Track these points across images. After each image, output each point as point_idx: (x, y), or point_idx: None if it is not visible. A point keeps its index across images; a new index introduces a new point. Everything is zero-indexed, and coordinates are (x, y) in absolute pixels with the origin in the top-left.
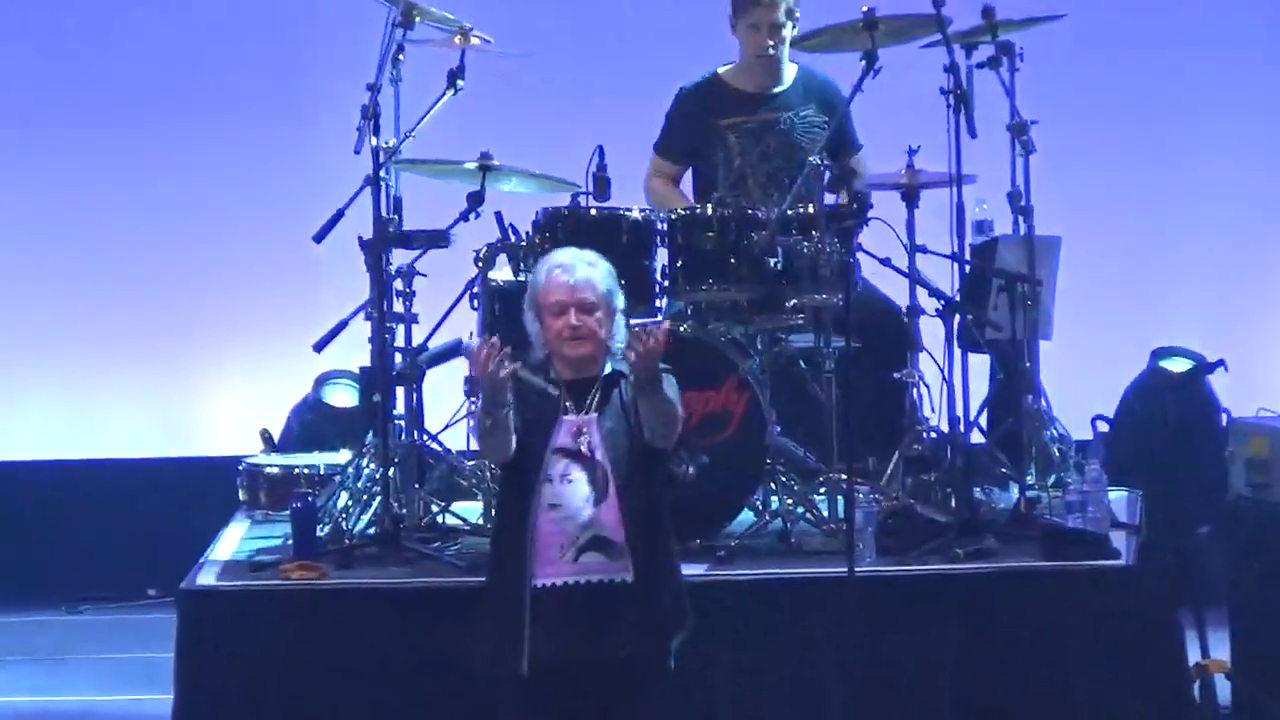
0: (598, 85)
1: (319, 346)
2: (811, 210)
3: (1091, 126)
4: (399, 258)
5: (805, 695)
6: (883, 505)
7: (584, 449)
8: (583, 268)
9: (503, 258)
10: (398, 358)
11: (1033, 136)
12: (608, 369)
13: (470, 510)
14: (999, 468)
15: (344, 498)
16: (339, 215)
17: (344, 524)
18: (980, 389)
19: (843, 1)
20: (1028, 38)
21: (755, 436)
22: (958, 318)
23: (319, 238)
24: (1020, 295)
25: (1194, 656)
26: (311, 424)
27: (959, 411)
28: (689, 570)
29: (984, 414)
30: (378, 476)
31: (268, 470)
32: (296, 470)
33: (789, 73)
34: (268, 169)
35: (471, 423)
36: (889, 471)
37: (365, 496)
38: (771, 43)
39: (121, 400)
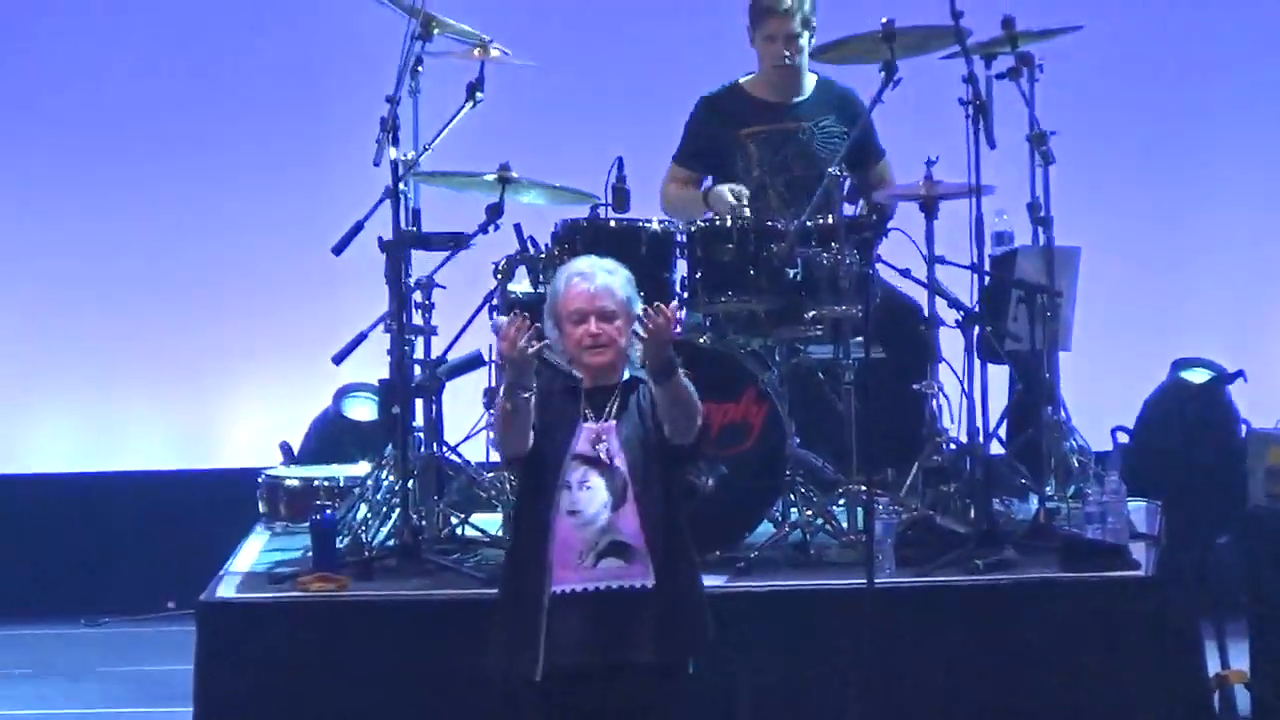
0: (617, 97)
1: (338, 359)
2: (831, 221)
3: (1111, 137)
4: (418, 269)
5: (824, 706)
6: (902, 516)
7: (602, 455)
8: (602, 275)
9: (521, 270)
10: (417, 370)
11: (1052, 147)
12: (626, 376)
13: (489, 522)
14: (1018, 479)
15: (363, 510)
16: (358, 227)
17: (363, 536)
18: (1000, 400)
19: (862, 13)
20: (1047, 49)
21: (774, 448)
22: (977, 329)
23: (338, 250)
24: (1040, 306)
25: (1214, 667)
26: (331, 437)
27: (978, 423)
28: (708, 581)
29: (1003, 425)
30: (397, 488)
31: (287, 482)
32: (316, 482)
33: (808, 83)
34: (287, 181)
35: (491, 434)
36: (908, 482)
37: (384, 508)
38: (788, 53)
39: (141, 413)
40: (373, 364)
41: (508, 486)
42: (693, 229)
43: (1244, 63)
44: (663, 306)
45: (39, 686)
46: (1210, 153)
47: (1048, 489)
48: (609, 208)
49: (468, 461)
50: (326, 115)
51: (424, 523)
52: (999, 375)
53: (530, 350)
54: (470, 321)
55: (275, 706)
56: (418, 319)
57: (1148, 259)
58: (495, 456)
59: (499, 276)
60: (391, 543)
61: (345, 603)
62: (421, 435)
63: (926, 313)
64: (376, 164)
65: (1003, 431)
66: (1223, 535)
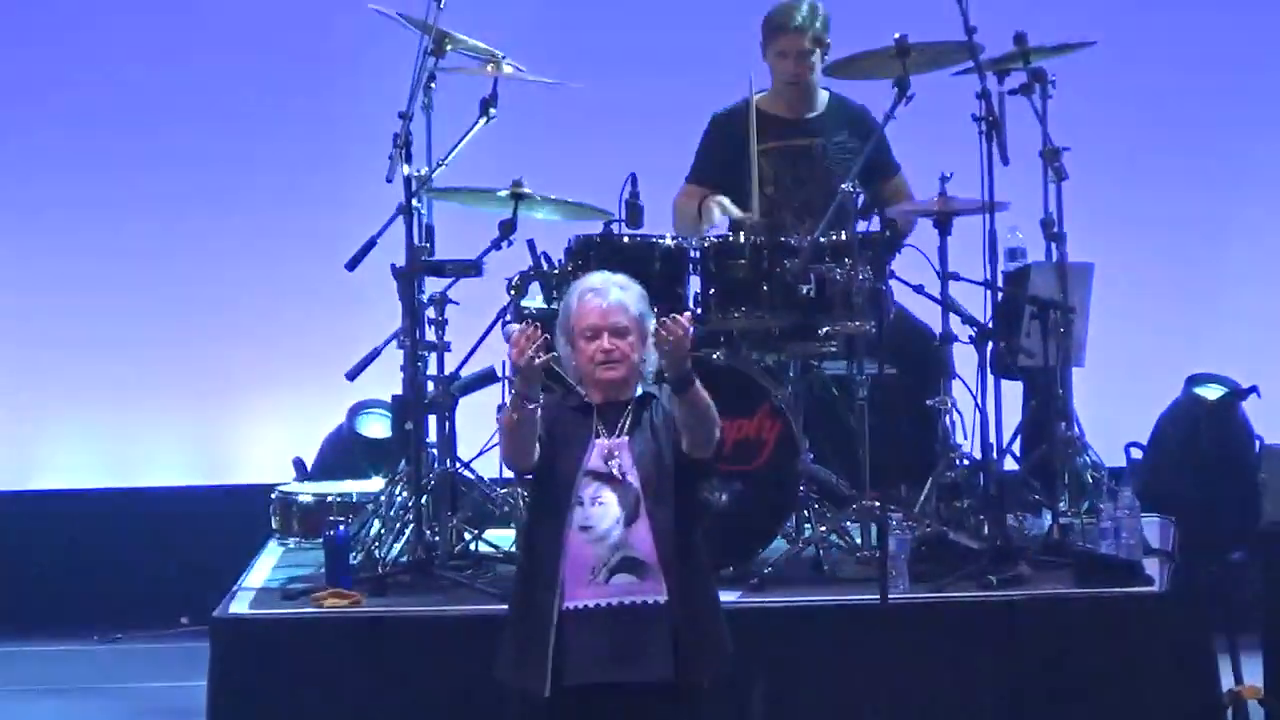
0: (630, 113)
1: (352, 375)
2: (844, 237)
3: (1124, 153)
4: (431, 286)
5: None
6: (916, 532)
7: (615, 471)
8: (615, 291)
9: (535, 285)
10: (430, 386)
11: (1065, 163)
12: (639, 392)
13: (503, 538)
14: (1032, 495)
15: (377, 526)
16: (371, 243)
17: (377, 552)
18: (1013, 416)
19: (875, 29)
20: (1060, 64)
21: (788, 464)
22: (990, 345)
23: (352, 266)
24: (1053, 322)
25: (1227, 683)
26: (345, 454)
27: (992, 438)
28: (722, 598)
29: (1017, 441)
30: (410, 504)
31: (300, 498)
32: (329, 498)
33: (821, 99)
34: (300, 198)
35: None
36: (922, 498)
37: (398, 524)
38: (799, 70)
39: (154, 429)
40: (386, 380)
41: (521, 502)
42: (706, 245)
43: (1258, 77)
44: (678, 316)
45: (53, 703)
46: (1223, 168)
47: (1061, 505)
48: (622, 223)
49: (481, 477)
50: (340, 131)
51: (437, 539)
52: (1012, 391)
53: (538, 361)
54: (484, 338)
55: None
56: (431, 335)
57: (1161, 275)
58: (509, 472)
59: (512, 292)
60: (405, 559)
61: (359, 619)
62: (435, 451)
63: (940, 329)
64: (390, 180)
65: (1016, 447)
66: (1237, 551)
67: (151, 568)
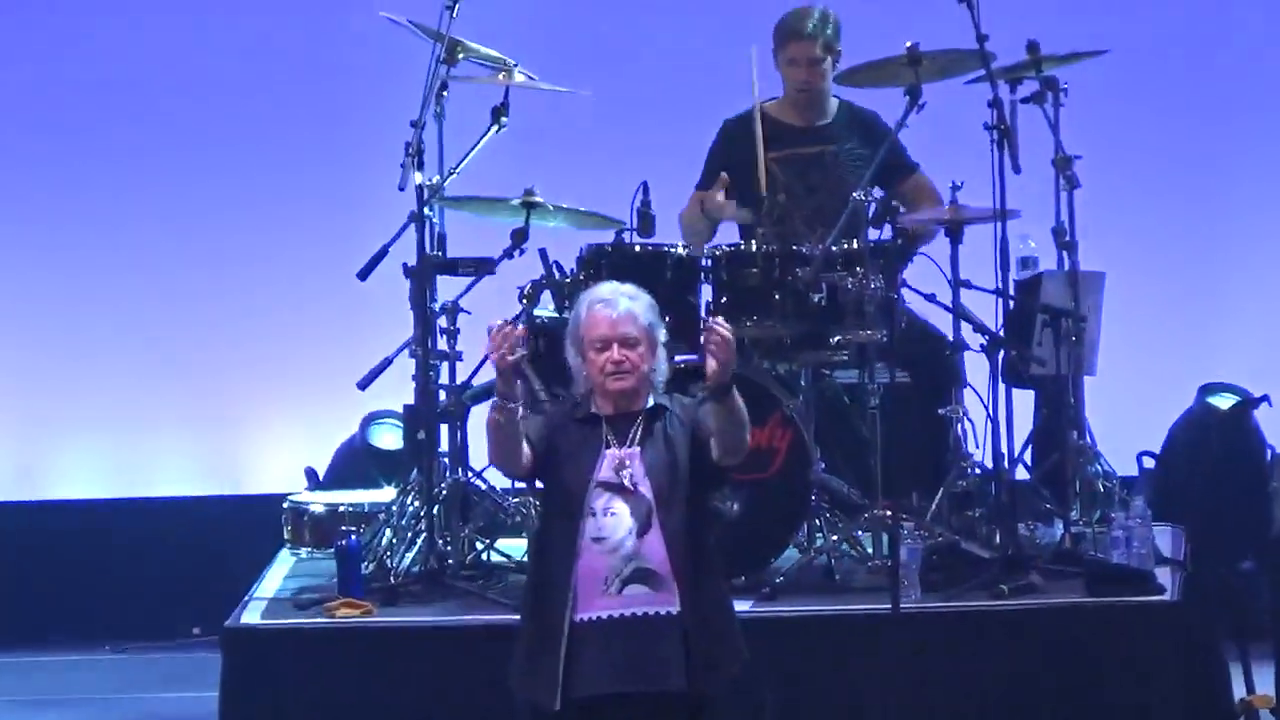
0: (642, 122)
1: (363, 384)
2: (856, 246)
3: (1136, 161)
4: (443, 294)
5: None
6: (927, 541)
7: (626, 482)
8: (624, 302)
9: (547, 294)
10: (442, 395)
11: (1077, 171)
12: (650, 402)
13: (515, 547)
14: (1043, 504)
15: (388, 535)
16: (383, 252)
17: (388, 562)
18: (1025, 425)
19: (887, 37)
20: (1072, 73)
21: (799, 473)
22: (1002, 353)
23: (363, 275)
24: (1065, 331)
25: (1239, 691)
26: (357, 464)
27: (1003, 447)
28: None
29: (1028, 450)
30: (422, 514)
31: (312, 508)
32: (341, 508)
33: (832, 106)
34: (312, 206)
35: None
36: (933, 507)
37: (410, 534)
38: (810, 77)
39: (166, 439)
40: (398, 389)
41: (533, 511)
42: (718, 254)
43: (1271, 86)
44: (720, 321)
45: (65, 713)
46: (1235, 176)
47: (1073, 514)
48: (634, 232)
49: (493, 487)
50: (352, 140)
51: (449, 548)
52: (1024, 400)
53: (510, 358)
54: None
55: None
56: (443, 344)
57: (1173, 283)
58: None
59: (524, 301)
60: (417, 569)
61: (370, 629)
62: (447, 460)
63: (951, 338)
64: (401, 189)
65: (1028, 456)
66: (1247, 559)
67: (163, 578)
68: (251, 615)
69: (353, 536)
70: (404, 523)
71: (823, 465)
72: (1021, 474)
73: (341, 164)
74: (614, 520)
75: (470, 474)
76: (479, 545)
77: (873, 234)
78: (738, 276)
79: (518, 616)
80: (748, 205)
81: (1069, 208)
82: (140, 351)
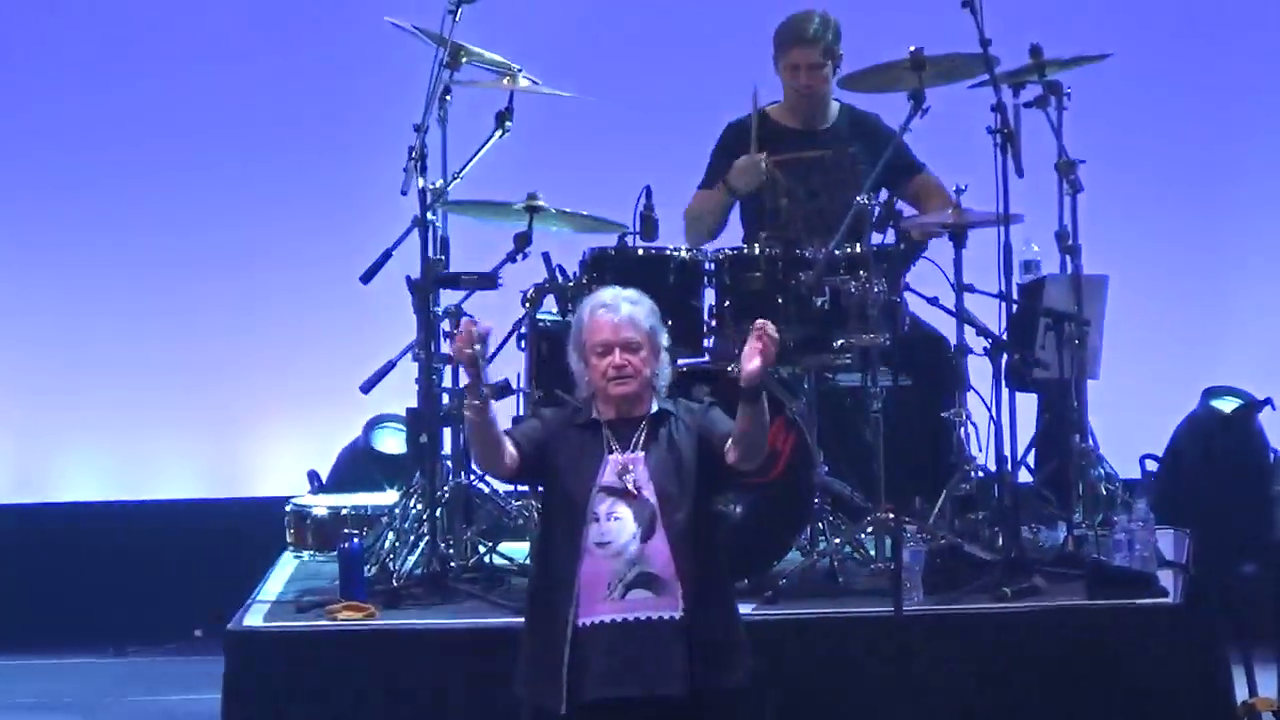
0: (645, 126)
1: (366, 387)
2: (859, 249)
3: (1139, 165)
4: (446, 298)
5: None
6: (930, 544)
7: (629, 486)
8: (626, 306)
9: (550, 298)
10: (445, 398)
11: (1080, 175)
12: (654, 407)
13: (517, 550)
14: (1046, 507)
15: (391, 538)
16: (386, 256)
17: (391, 564)
18: (1028, 428)
19: (890, 41)
20: (1075, 77)
21: (803, 476)
22: (1005, 357)
23: (366, 279)
24: (1068, 334)
25: (1241, 694)
26: (360, 468)
27: (1006, 450)
28: None
29: (1031, 453)
30: (425, 517)
31: (315, 511)
32: (343, 511)
33: (833, 110)
34: (315, 210)
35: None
36: (936, 510)
37: (412, 537)
38: (811, 82)
39: (169, 442)
40: (401, 393)
41: (536, 515)
42: (721, 257)
43: (1274, 91)
44: (767, 324)
45: (66, 717)
46: (1239, 180)
47: (1076, 517)
48: (637, 236)
49: (496, 490)
50: (355, 144)
51: (452, 551)
52: (1027, 403)
53: (467, 351)
54: (499, 350)
55: None
56: (446, 348)
57: (1177, 287)
58: (523, 486)
59: (527, 305)
60: (419, 571)
61: (373, 632)
62: (450, 464)
63: (954, 341)
64: (405, 193)
65: (1031, 459)
66: (1250, 562)
67: (166, 580)
68: (254, 618)
69: (355, 539)
70: (406, 526)
71: (826, 468)
72: (1024, 477)
73: (345, 168)
74: (617, 525)
75: (473, 477)
76: (481, 548)
77: (876, 238)
78: (741, 280)
79: (520, 619)
80: (750, 210)
81: (1072, 212)
82: (142, 354)
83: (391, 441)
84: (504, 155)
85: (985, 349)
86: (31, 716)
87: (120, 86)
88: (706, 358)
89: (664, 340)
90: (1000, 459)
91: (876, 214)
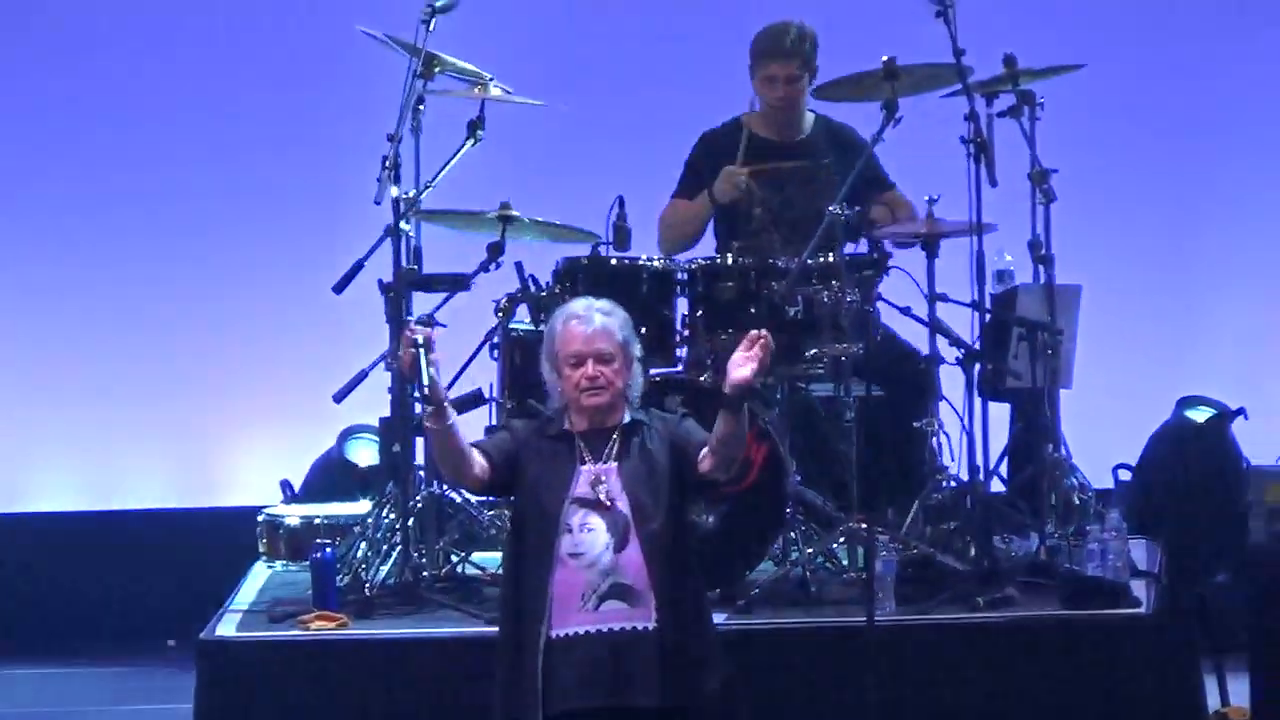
0: (618, 136)
1: (339, 397)
2: (832, 259)
3: (1112, 175)
4: (419, 308)
5: None
6: (903, 554)
7: (602, 497)
8: (599, 317)
9: (523, 308)
10: (418, 408)
11: (1053, 185)
12: (627, 418)
13: (490, 560)
14: (1019, 516)
15: (363, 548)
16: (359, 266)
17: (363, 574)
18: (1000, 438)
19: (863, 51)
20: (1048, 87)
21: (775, 486)
22: (978, 366)
23: (339, 288)
24: (1041, 344)
25: (1214, 704)
26: (333, 478)
27: (979, 460)
28: None
29: (1004, 463)
30: (397, 526)
31: (287, 521)
32: (316, 521)
33: (808, 121)
34: (288, 220)
35: None
36: (909, 520)
37: (385, 546)
38: (788, 94)
39: (141, 451)
40: (374, 403)
41: (508, 525)
42: (693, 267)
43: (1247, 101)
44: (765, 335)
45: None
46: (1212, 190)
47: (1048, 527)
48: (610, 246)
49: (468, 500)
50: (328, 154)
51: (424, 561)
52: (1000, 413)
53: (410, 351)
54: (471, 360)
55: None
56: None
57: (1149, 297)
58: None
59: (500, 314)
60: (392, 581)
61: (345, 641)
62: (422, 473)
63: (927, 351)
64: (378, 202)
65: (1003, 469)
66: (1223, 572)
67: (137, 591)
68: (226, 628)
69: (327, 549)
70: (379, 535)
71: (798, 478)
72: (997, 487)
73: (317, 178)
74: (591, 536)
75: (445, 487)
76: (454, 558)
77: (849, 248)
78: (713, 290)
79: (493, 629)
80: (724, 217)
81: (1045, 221)
82: (114, 364)
83: (365, 453)
84: (476, 164)
85: (958, 358)
86: None
87: (88, 101)
88: (679, 367)
89: (637, 351)
90: (973, 469)
91: (851, 221)
